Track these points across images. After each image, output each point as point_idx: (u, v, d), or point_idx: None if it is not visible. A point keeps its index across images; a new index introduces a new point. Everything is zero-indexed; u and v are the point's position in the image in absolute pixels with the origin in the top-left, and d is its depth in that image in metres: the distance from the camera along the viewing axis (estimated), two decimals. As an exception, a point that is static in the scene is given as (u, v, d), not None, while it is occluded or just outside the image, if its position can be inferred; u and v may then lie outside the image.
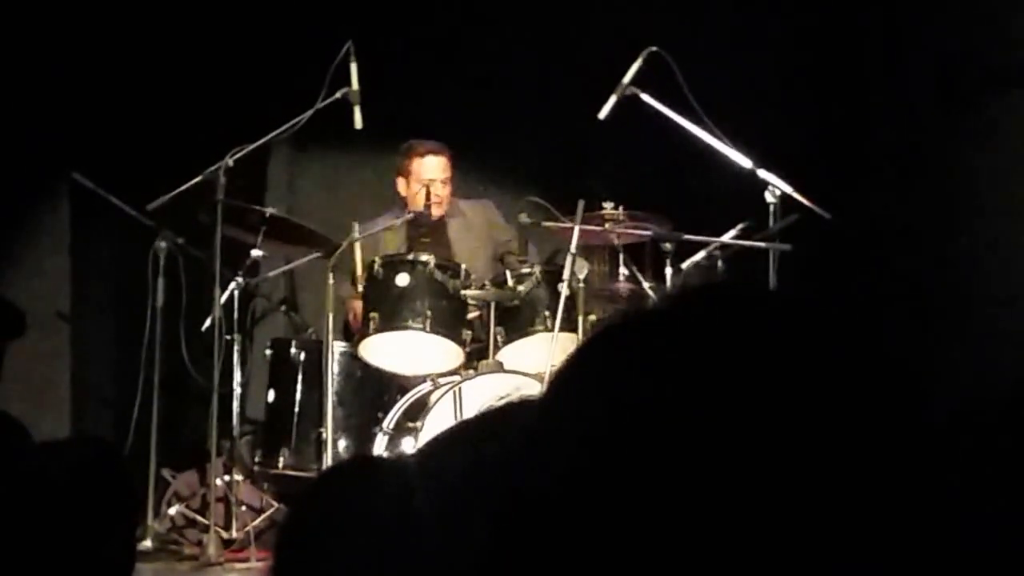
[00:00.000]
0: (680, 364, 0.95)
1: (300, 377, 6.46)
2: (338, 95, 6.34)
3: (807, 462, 0.92)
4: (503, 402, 1.35)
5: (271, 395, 6.58)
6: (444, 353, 6.29)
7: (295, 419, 6.43)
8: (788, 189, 6.05)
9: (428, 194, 6.64)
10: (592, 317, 6.12)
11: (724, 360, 0.95)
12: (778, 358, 0.95)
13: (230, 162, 6.30)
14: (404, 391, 6.33)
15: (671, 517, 0.91)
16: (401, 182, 6.85)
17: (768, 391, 0.94)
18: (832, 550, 0.91)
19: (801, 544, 0.91)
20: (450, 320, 6.25)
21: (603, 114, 6.15)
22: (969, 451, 1.10)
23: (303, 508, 1.32)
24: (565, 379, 1.02)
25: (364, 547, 1.21)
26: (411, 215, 6.70)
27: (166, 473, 6.57)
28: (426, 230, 6.80)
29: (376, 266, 6.29)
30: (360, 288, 6.45)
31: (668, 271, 6.21)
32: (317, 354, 6.40)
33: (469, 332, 6.31)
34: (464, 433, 1.27)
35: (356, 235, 6.43)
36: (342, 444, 6.30)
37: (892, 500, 0.93)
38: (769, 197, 6.05)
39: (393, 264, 6.31)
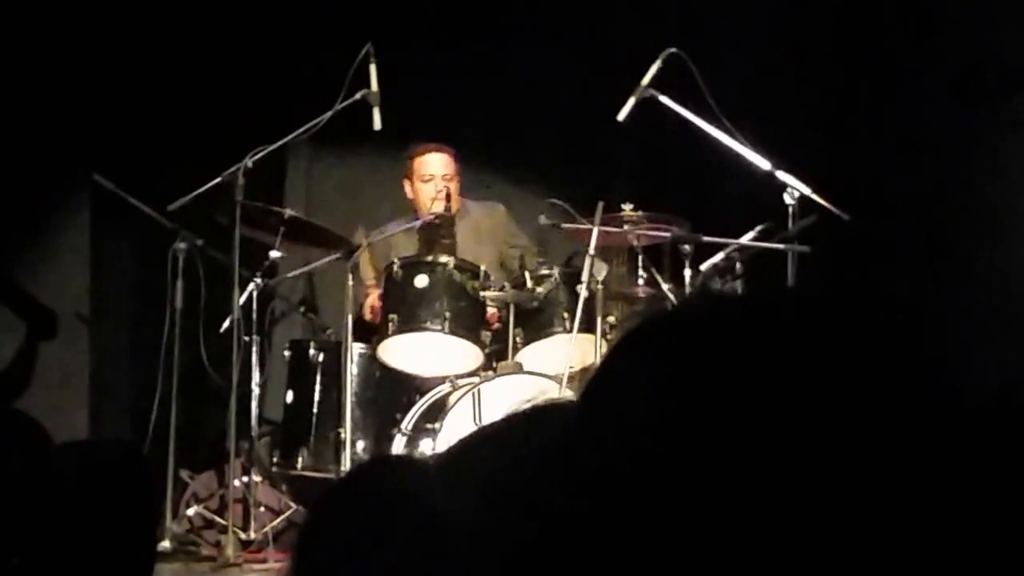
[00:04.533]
0: (717, 368, 0.95)
1: (318, 378, 6.47)
2: (357, 97, 6.35)
3: (857, 466, 0.91)
4: (527, 406, 1.33)
5: (289, 396, 6.58)
6: (463, 354, 6.29)
7: (313, 420, 6.44)
8: (807, 190, 6.04)
9: (448, 195, 6.64)
10: (611, 319, 6.12)
11: (760, 362, 0.94)
12: (820, 360, 0.95)
13: (249, 163, 6.31)
14: (423, 392, 6.33)
15: (715, 525, 0.91)
16: (407, 185, 6.87)
17: (811, 393, 0.93)
18: (875, 544, 0.90)
19: (851, 546, 0.90)
20: (469, 321, 6.25)
21: (622, 116, 6.14)
22: (1001, 444, 1.10)
23: (323, 510, 1.32)
24: (601, 384, 1.01)
25: (385, 550, 1.20)
26: (430, 217, 6.69)
27: (184, 474, 6.59)
28: (444, 232, 6.79)
29: (395, 267, 6.29)
30: (368, 288, 6.52)
31: (687, 273, 6.20)
32: (336, 355, 6.41)
33: (488, 333, 6.31)
34: (489, 437, 1.27)
35: (363, 240, 6.48)
36: (360, 445, 6.31)
37: (933, 494, 0.92)
38: (788, 199, 6.04)
39: (412, 265, 6.31)
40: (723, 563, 0.90)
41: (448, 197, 6.64)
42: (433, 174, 6.76)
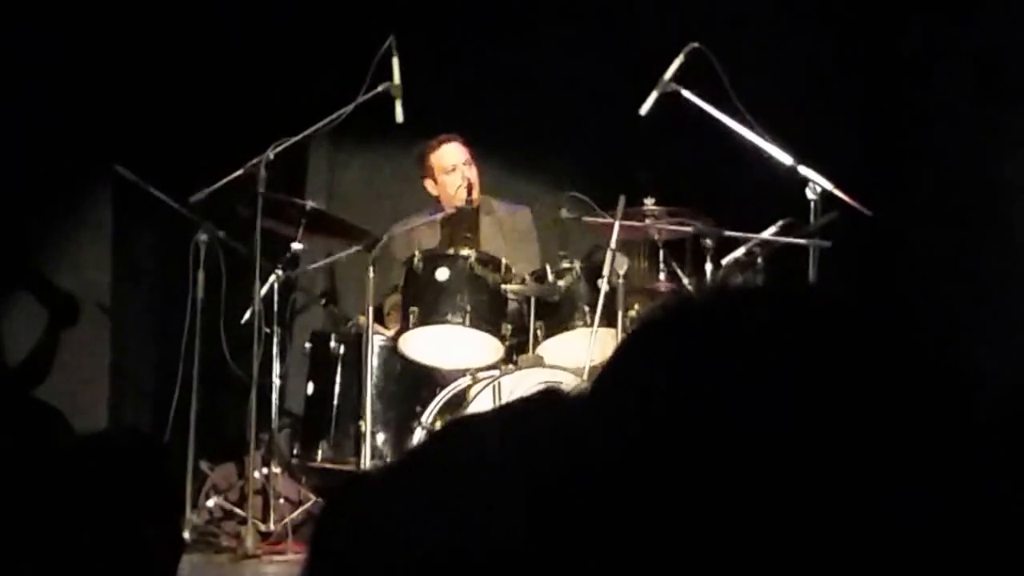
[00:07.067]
0: (725, 361, 0.95)
1: (339, 370, 6.47)
2: (380, 89, 6.35)
3: (859, 462, 0.91)
4: (538, 391, 1.35)
5: (310, 388, 6.59)
6: (483, 347, 6.29)
7: (334, 412, 6.44)
8: (829, 186, 6.02)
9: (470, 186, 6.64)
10: (632, 313, 6.11)
11: (770, 357, 0.94)
12: (825, 356, 0.95)
13: (271, 155, 6.32)
14: (443, 385, 6.33)
15: (711, 513, 0.91)
16: (428, 183, 6.86)
17: (814, 389, 0.93)
18: (888, 548, 0.90)
19: (857, 543, 0.90)
20: (490, 314, 6.25)
21: (644, 110, 6.14)
22: (1016, 450, 1.09)
23: (340, 502, 1.32)
24: (609, 373, 1.02)
25: (398, 546, 1.20)
26: (453, 210, 6.69)
27: (204, 465, 6.59)
28: (467, 224, 6.80)
29: (416, 260, 6.29)
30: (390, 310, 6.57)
31: (708, 267, 6.19)
32: (356, 347, 6.41)
33: (509, 326, 6.30)
34: (500, 419, 1.27)
35: (392, 233, 6.48)
36: (380, 438, 6.31)
37: (948, 501, 0.92)
38: (810, 194, 6.03)
39: (433, 258, 6.31)
40: (703, 561, 0.91)
41: (470, 186, 6.65)
42: (455, 163, 6.77)
